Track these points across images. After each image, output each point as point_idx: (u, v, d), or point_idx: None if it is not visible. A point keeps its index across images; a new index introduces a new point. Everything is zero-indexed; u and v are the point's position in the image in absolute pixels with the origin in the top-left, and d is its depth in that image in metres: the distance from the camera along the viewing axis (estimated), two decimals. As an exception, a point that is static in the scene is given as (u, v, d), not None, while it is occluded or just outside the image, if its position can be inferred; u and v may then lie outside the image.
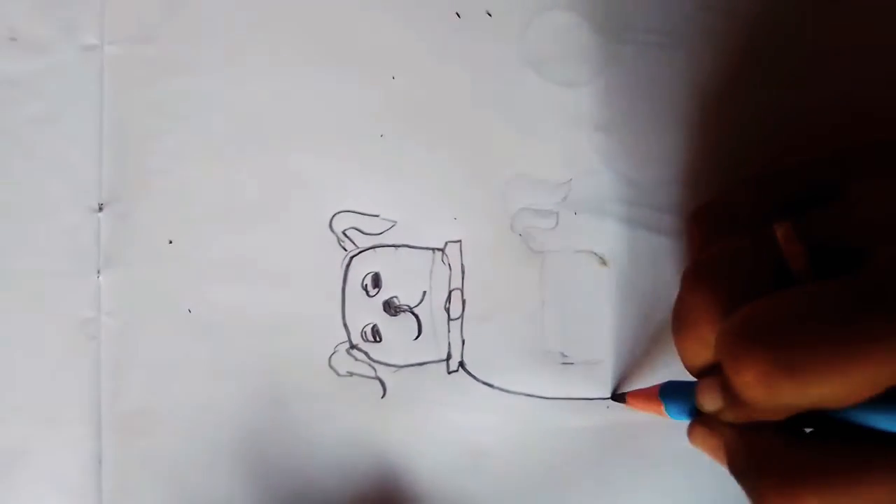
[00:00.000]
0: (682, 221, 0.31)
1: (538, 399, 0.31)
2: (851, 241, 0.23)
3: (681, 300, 0.26)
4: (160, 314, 0.31)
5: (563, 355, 0.31)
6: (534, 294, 0.32)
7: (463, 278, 0.32)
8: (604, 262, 0.32)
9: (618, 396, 0.31)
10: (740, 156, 0.32)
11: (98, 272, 0.32)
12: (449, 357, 0.31)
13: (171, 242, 0.32)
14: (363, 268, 0.32)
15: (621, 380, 0.31)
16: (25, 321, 0.31)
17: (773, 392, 0.21)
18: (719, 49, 0.32)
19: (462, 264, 0.32)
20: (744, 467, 0.24)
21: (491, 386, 0.31)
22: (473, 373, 0.31)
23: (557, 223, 0.32)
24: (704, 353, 0.25)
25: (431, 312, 0.32)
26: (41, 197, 0.32)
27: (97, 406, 0.31)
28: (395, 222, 0.32)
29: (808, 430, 0.25)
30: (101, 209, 0.32)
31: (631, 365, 0.31)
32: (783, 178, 0.27)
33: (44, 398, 0.31)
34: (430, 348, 0.32)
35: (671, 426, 0.31)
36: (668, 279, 0.32)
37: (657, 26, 0.32)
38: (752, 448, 0.24)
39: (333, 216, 0.32)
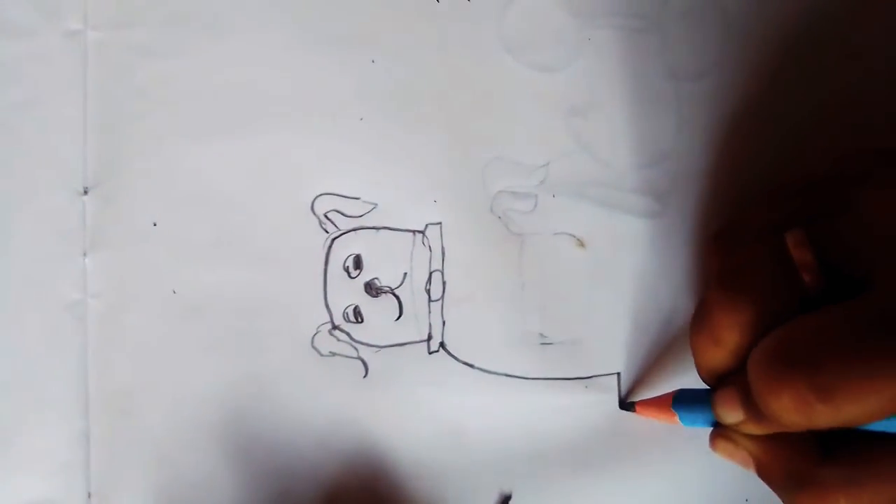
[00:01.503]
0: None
1: (518, 379, 0.32)
2: (858, 250, 0.24)
3: (701, 304, 0.27)
4: (145, 295, 0.32)
5: (542, 336, 0.32)
6: (513, 275, 0.32)
7: (443, 260, 0.32)
8: (581, 244, 0.32)
9: (626, 405, 0.32)
10: (717, 139, 0.32)
11: (84, 254, 0.32)
12: (430, 338, 0.32)
13: (155, 225, 0.32)
14: (344, 250, 0.32)
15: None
16: (13, 303, 0.32)
17: (809, 415, 0.22)
18: (695, 33, 0.32)
19: (442, 246, 0.32)
20: (777, 480, 0.26)
21: (471, 366, 0.32)
22: (454, 353, 0.32)
23: (536, 205, 0.32)
24: (719, 356, 0.26)
25: (412, 294, 0.32)
26: (27, 181, 0.32)
27: (84, 386, 0.32)
28: (376, 205, 0.32)
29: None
30: (86, 192, 0.32)
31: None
32: (796, 194, 0.28)
33: (32, 379, 0.32)
34: (411, 329, 0.32)
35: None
36: (645, 260, 0.32)
37: (633, 10, 0.32)
38: (782, 461, 0.26)
39: (315, 199, 0.32)
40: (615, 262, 0.32)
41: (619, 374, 0.32)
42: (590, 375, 0.32)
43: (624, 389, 0.32)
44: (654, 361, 0.32)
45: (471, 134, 0.32)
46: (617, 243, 0.32)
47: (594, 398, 0.32)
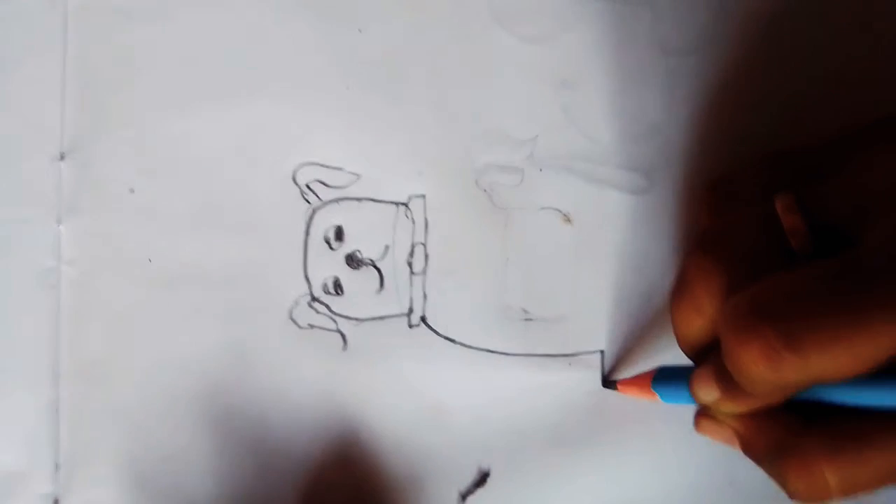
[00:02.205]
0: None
1: (499, 355, 0.31)
2: (848, 211, 0.24)
3: (682, 270, 0.26)
4: (120, 263, 0.31)
5: (525, 312, 0.32)
6: (497, 250, 0.32)
7: (426, 233, 0.32)
8: (568, 220, 0.32)
9: (609, 383, 0.31)
10: (707, 115, 0.32)
11: (59, 221, 0.31)
12: (411, 311, 0.31)
13: (132, 191, 0.31)
14: (326, 220, 0.32)
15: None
16: (-16, 268, 0.31)
17: (776, 366, 0.22)
18: (685, 7, 0.32)
19: (426, 219, 0.32)
20: (762, 454, 0.26)
21: (452, 341, 0.31)
22: (435, 328, 0.31)
23: (522, 180, 0.32)
24: (699, 324, 0.26)
25: (394, 266, 0.32)
26: (2, 145, 0.31)
27: (56, 355, 0.31)
28: (359, 176, 0.32)
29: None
30: (62, 158, 0.31)
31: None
32: (791, 158, 0.28)
33: (2, 346, 0.31)
34: (392, 302, 0.31)
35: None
36: (631, 237, 0.32)
37: (624, -17, 0.32)
38: (765, 435, 0.25)
39: (297, 168, 0.32)
40: (601, 239, 0.32)
41: (602, 351, 0.31)
42: (573, 353, 0.31)
43: (607, 367, 0.31)
44: (638, 339, 0.31)
45: (458, 105, 0.32)
46: (603, 219, 0.32)
47: (577, 375, 0.31)
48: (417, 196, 0.32)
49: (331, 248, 0.32)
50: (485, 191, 0.32)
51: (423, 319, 0.31)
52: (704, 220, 0.29)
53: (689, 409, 0.28)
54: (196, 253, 0.31)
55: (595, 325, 0.31)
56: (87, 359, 0.31)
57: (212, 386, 0.31)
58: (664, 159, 0.32)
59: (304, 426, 0.31)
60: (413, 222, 0.32)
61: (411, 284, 0.31)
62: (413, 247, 0.32)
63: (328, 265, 0.31)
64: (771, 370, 0.22)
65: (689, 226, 0.32)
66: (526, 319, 0.31)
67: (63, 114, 0.31)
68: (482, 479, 0.31)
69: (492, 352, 0.31)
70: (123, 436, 0.31)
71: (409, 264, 0.32)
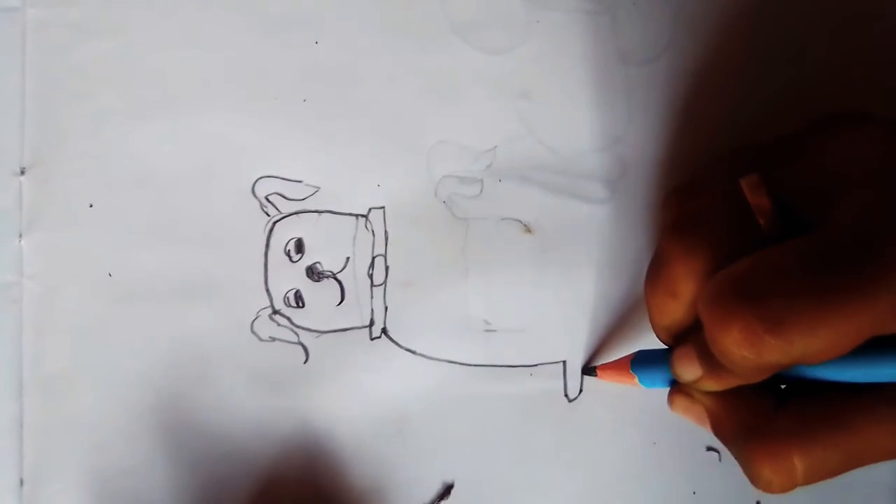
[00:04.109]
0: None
1: (461, 366, 0.31)
2: (808, 192, 0.24)
3: (657, 254, 0.26)
4: (81, 278, 0.31)
5: (486, 322, 0.32)
6: (457, 261, 0.32)
7: (386, 245, 0.32)
8: (528, 230, 0.32)
9: (588, 370, 0.31)
10: (668, 125, 0.32)
11: (20, 236, 0.31)
12: (372, 323, 0.31)
13: (91, 206, 0.31)
14: (286, 233, 0.32)
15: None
16: (-54, 285, 0.31)
17: (759, 350, 0.22)
18: (645, 16, 0.32)
19: (385, 231, 0.32)
20: (730, 434, 0.25)
21: (414, 352, 0.31)
22: (396, 339, 0.31)
23: (482, 190, 0.32)
24: (676, 310, 0.26)
25: (355, 278, 0.32)
26: (-38, 160, 0.31)
27: (19, 370, 0.31)
28: (319, 188, 0.32)
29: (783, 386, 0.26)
30: (23, 173, 0.31)
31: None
32: (751, 150, 0.28)
33: (-35, 362, 0.31)
34: (353, 314, 0.31)
35: (593, 395, 0.31)
36: (592, 247, 0.32)
37: (582, -7, 0.32)
38: (736, 415, 0.25)
39: (256, 181, 0.31)
40: (562, 249, 0.32)
41: (564, 362, 0.31)
42: (535, 363, 0.31)
43: (570, 378, 0.31)
44: (599, 349, 0.31)
45: (416, 116, 0.32)
46: (564, 229, 0.32)
47: (539, 386, 0.31)
48: (377, 208, 0.32)
49: (291, 260, 0.32)
50: (444, 202, 0.32)
51: (385, 331, 0.31)
52: (670, 218, 0.28)
53: (652, 419, 0.28)
54: (156, 267, 0.31)
55: (556, 335, 0.31)
56: (49, 373, 0.31)
57: (174, 400, 0.31)
58: (625, 169, 0.32)
59: (265, 439, 0.31)
60: (373, 234, 0.32)
61: (372, 296, 0.31)
62: (373, 259, 0.32)
63: (289, 278, 0.31)
64: (753, 353, 0.22)
65: (650, 235, 0.32)
66: (487, 330, 0.31)
67: (23, 129, 0.31)
68: (446, 491, 0.31)
69: (453, 362, 0.31)
70: (87, 450, 0.31)
71: (370, 276, 0.32)
